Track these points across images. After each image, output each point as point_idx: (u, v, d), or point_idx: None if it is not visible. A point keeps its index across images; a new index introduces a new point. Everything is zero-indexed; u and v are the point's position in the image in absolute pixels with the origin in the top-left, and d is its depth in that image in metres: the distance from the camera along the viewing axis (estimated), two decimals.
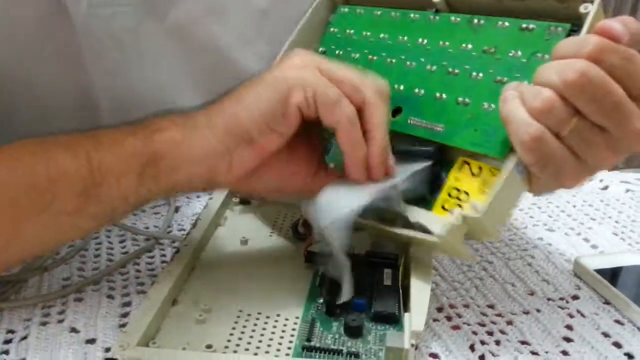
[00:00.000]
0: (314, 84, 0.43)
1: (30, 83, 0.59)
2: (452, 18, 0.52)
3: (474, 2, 0.51)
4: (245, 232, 0.56)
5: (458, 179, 0.46)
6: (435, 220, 0.44)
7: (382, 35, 0.56)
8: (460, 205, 0.45)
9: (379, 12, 0.57)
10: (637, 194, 0.73)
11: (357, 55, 0.57)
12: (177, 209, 0.65)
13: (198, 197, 0.69)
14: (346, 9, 0.60)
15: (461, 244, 0.43)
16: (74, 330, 0.45)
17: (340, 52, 0.58)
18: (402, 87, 0.52)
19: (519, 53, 0.46)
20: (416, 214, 0.45)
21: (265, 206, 0.61)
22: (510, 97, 0.41)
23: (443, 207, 0.46)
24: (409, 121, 0.50)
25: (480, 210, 0.41)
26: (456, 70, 0.49)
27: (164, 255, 0.56)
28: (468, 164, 0.46)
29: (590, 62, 0.38)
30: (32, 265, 0.52)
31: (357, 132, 0.43)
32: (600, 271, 0.52)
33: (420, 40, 0.53)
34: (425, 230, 0.44)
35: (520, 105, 0.40)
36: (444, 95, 0.49)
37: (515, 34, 0.47)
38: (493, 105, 0.45)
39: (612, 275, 0.52)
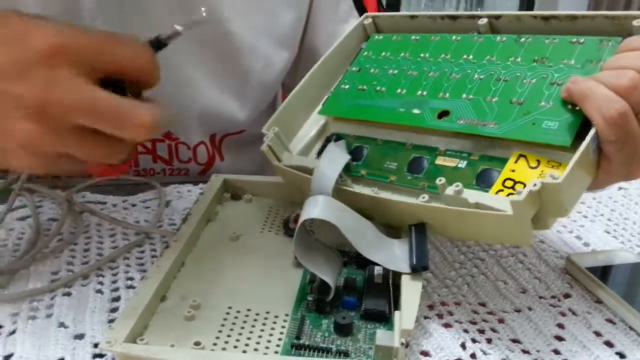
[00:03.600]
0: None
1: None
2: (498, 38, 0.52)
3: (521, 26, 0.51)
4: (236, 227, 0.55)
5: (514, 170, 0.45)
6: (498, 199, 0.42)
7: (422, 55, 0.56)
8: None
9: (417, 37, 0.57)
10: (629, 192, 0.73)
11: (395, 71, 0.56)
12: (167, 204, 0.65)
13: (189, 191, 0.68)
14: (380, 37, 0.61)
15: (529, 222, 0.42)
16: (62, 325, 0.44)
17: (376, 70, 0.58)
18: (447, 95, 0.51)
19: (572, 62, 0.46)
20: (473, 195, 0.43)
21: (256, 202, 0.61)
22: (582, 78, 0.42)
23: (497, 194, 0.45)
24: (458, 121, 0.49)
25: (560, 178, 0.40)
26: (507, 78, 0.49)
27: (154, 250, 0.55)
28: (525, 157, 0.46)
29: None
30: (20, 259, 0.52)
31: None
32: (592, 269, 0.52)
33: (465, 56, 0.53)
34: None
35: (600, 84, 0.41)
36: (495, 99, 0.48)
37: (565, 47, 0.47)
38: (551, 102, 0.45)
39: (604, 273, 0.52)
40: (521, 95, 0.47)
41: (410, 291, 0.43)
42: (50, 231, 0.56)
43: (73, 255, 0.54)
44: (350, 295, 0.45)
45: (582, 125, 0.43)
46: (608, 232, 0.62)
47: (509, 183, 0.45)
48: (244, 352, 0.40)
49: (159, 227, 0.60)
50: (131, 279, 0.51)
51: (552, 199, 0.41)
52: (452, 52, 0.54)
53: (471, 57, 0.52)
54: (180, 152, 0.75)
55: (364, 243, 0.46)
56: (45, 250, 0.54)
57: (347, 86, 0.59)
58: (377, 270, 0.47)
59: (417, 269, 0.44)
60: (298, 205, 0.51)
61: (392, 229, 0.50)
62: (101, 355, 0.41)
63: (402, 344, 0.38)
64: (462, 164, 0.48)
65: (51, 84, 0.36)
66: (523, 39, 0.50)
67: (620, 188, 0.74)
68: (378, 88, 0.56)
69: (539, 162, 0.45)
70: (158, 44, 0.43)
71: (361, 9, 0.77)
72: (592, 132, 0.41)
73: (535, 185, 0.40)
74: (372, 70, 0.58)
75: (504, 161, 0.46)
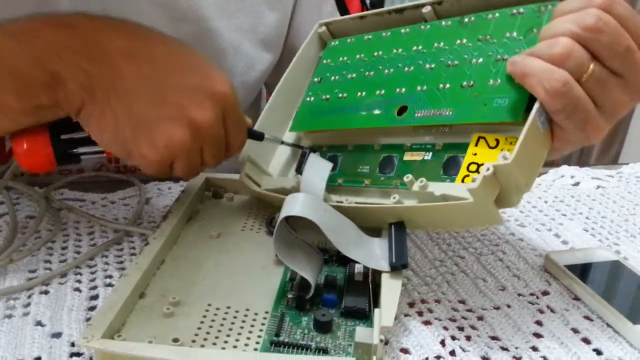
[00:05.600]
0: None
1: None
2: (443, 23, 0.52)
3: (462, 6, 0.51)
4: (217, 226, 0.55)
5: (476, 153, 0.46)
6: (460, 187, 0.43)
7: (376, 53, 0.57)
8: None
9: (370, 36, 0.58)
10: (607, 191, 0.74)
11: (354, 75, 0.57)
12: (147, 201, 0.64)
13: (169, 188, 0.68)
14: (336, 42, 0.62)
15: (493, 204, 0.42)
16: (39, 323, 0.44)
17: (336, 78, 0.59)
18: (404, 90, 0.52)
19: (515, 34, 0.47)
20: (438, 187, 0.44)
21: (238, 200, 0.61)
22: (519, 58, 0.43)
23: (463, 182, 0.45)
24: (416, 114, 0.50)
25: (509, 157, 0.40)
26: (455, 62, 0.49)
27: (133, 248, 0.55)
28: (484, 138, 0.46)
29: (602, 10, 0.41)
30: None
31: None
32: (570, 267, 0.52)
33: (414, 47, 0.53)
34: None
35: (536, 59, 0.42)
36: (447, 85, 0.49)
37: (506, 20, 0.48)
38: (499, 80, 0.45)
39: (582, 271, 0.52)
40: (470, 77, 0.47)
41: (390, 289, 0.43)
42: (28, 229, 0.56)
43: (51, 253, 0.53)
44: (331, 293, 0.45)
45: (532, 97, 0.43)
46: (586, 230, 0.63)
47: (473, 167, 0.45)
48: (223, 348, 0.40)
49: (139, 225, 0.59)
50: (110, 277, 0.50)
51: (508, 179, 0.41)
52: (403, 46, 0.55)
53: (420, 47, 0.53)
54: None
55: (343, 241, 0.46)
56: (23, 248, 0.53)
57: (311, 98, 0.60)
58: (358, 268, 0.47)
59: (397, 267, 0.44)
60: (280, 204, 0.51)
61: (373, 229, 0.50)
62: (78, 354, 0.41)
63: (381, 340, 0.38)
64: (428, 156, 0.49)
65: (216, 119, 0.47)
66: (466, 19, 0.51)
67: (598, 187, 0.75)
68: (340, 95, 0.57)
69: (497, 141, 0.45)
70: (255, 136, 0.54)
71: (344, 10, 0.77)
72: (536, 106, 0.41)
73: (488, 169, 0.41)
74: (332, 78, 0.59)
75: (466, 146, 0.47)
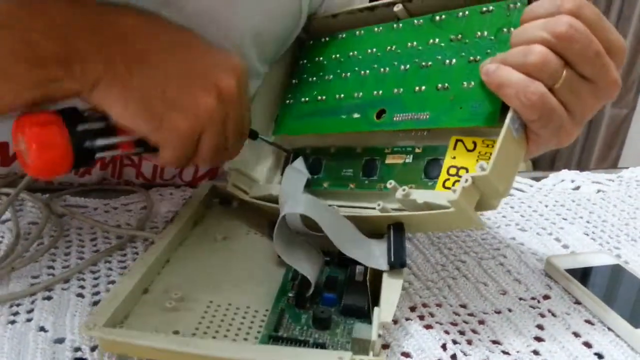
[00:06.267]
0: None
1: None
2: (415, 21, 0.53)
3: (432, 3, 0.52)
4: (223, 230, 0.56)
5: (454, 157, 0.47)
6: (441, 195, 0.44)
7: (350, 53, 0.57)
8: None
9: (344, 35, 0.58)
10: (608, 195, 0.74)
11: (330, 76, 0.57)
12: (151, 207, 0.65)
13: (171, 194, 0.68)
14: (311, 42, 0.62)
15: (473, 210, 0.43)
16: (42, 329, 0.44)
17: (314, 79, 0.59)
18: (381, 92, 0.52)
19: (485, 33, 0.47)
20: (420, 195, 0.45)
21: (246, 207, 0.61)
22: (493, 67, 0.43)
23: (444, 186, 0.46)
24: (394, 118, 0.50)
25: (487, 168, 0.41)
26: (429, 63, 0.50)
27: (136, 254, 0.55)
28: (461, 141, 0.47)
29: (572, 16, 0.41)
30: None
31: None
32: (571, 271, 0.52)
33: (388, 47, 0.54)
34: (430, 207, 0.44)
35: (512, 70, 0.42)
36: (423, 88, 0.49)
37: (477, 18, 0.48)
38: (473, 83, 0.46)
39: (583, 275, 0.52)
40: (445, 79, 0.48)
41: (390, 288, 0.43)
42: (31, 235, 0.56)
43: (53, 259, 0.54)
44: (331, 293, 0.46)
45: None
46: (587, 234, 0.63)
47: (452, 171, 0.46)
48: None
49: (141, 230, 0.59)
50: (113, 282, 0.50)
51: (487, 187, 0.42)
52: (377, 46, 0.55)
53: (394, 47, 0.53)
54: (166, 172, 0.74)
55: (343, 240, 0.46)
56: (26, 254, 0.53)
57: (290, 101, 0.60)
58: (359, 269, 0.48)
59: (395, 266, 0.45)
60: (267, 212, 0.52)
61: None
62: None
63: (379, 336, 0.38)
64: (409, 159, 0.50)
65: (240, 88, 0.48)
66: (438, 17, 0.51)
67: (599, 191, 0.75)
68: (319, 98, 0.57)
69: (475, 143, 0.46)
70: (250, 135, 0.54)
71: None
72: (509, 114, 0.42)
73: (467, 180, 0.41)
74: (310, 79, 0.59)
75: (445, 149, 0.47)
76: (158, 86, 0.45)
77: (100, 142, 0.45)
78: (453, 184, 0.45)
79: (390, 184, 0.46)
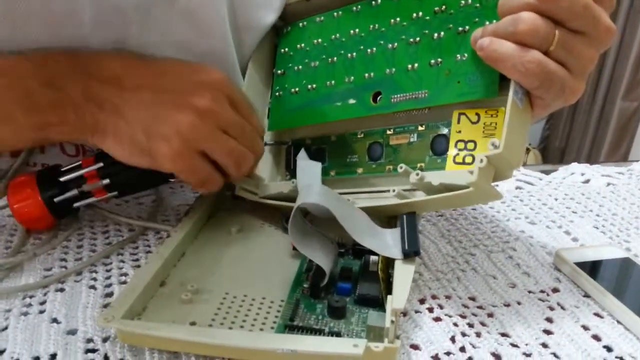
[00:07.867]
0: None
1: None
2: None
3: None
4: (237, 223, 0.56)
5: (460, 130, 0.46)
6: (458, 175, 0.44)
7: (333, 36, 0.55)
8: (472, 155, 0.45)
9: (322, 18, 0.57)
10: (617, 188, 0.74)
11: (317, 63, 0.56)
12: (161, 200, 0.65)
13: (182, 186, 0.68)
14: (289, 28, 0.60)
15: (491, 185, 0.43)
16: (55, 321, 0.45)
17: (299, 68, 0.58)
18: (372, 74, 0.51)
19: (469, 1, 0.46)
20: (435, 177, 0.45)
21: (259, 202, 0.61)
22: (487, 41, 0.43)
23: (455, 162, 0.46)
24: (392, 100, 0.50)
25: (499, 145, 0.41)
26: (417, 39, 0.49)
27: (148, 246, 0.55)
28: (464, 114, 0.47)
29: None
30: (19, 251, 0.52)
31: None
32: (580, 264, 0.52)
33: (371, 26, 0.53)
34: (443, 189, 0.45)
35: (505, 42, 0.42)
36: (415, 65, 0.49)
37: None
38: (466, 55, 0.46)
39: (592, 268, 0.52)
40: (437, 54, 0.47)
41: (403, 275, 0.43)
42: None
43: (66, 251, 0.54)
44: (345, 282, 0.46)
45: None
46: (596, 228, 0.63)
47: (460, 145, 0.46)
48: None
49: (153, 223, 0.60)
50: (125, 274, 0.51)
51: (501, 163, 0.42)
52: (359, 26, 0.54)
53: (377, 25, 0.52)
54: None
55: (357, 230, 0.46)
56: (38, 247, 0.54)
57: (280, 93, 0.59)
58: (373, 259, 0.48)
59: (409, 254, 0.45)
60: (281, 209, 0.52)
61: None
62: (93, 351, 0.42)
63: (392, 322, 0.39)
64: (414, 138, 0.50)
65: (218, 101, 0.48)
66: None
67: (608, 184, 0.75)
68: (309, 87, 0.56)
69: (478, 115, 0.46)
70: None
71: None
72: (511, 87, 0.42)
73: (482, 161, 0.41)
74: (295, 68, 0.58)
75: (449, 123, 0.47)
76: (140, 123, 0.48)
77: (69, 194, 0.54)
78: (464, 159, 0.45)
79: (401, 167, 0.45)
